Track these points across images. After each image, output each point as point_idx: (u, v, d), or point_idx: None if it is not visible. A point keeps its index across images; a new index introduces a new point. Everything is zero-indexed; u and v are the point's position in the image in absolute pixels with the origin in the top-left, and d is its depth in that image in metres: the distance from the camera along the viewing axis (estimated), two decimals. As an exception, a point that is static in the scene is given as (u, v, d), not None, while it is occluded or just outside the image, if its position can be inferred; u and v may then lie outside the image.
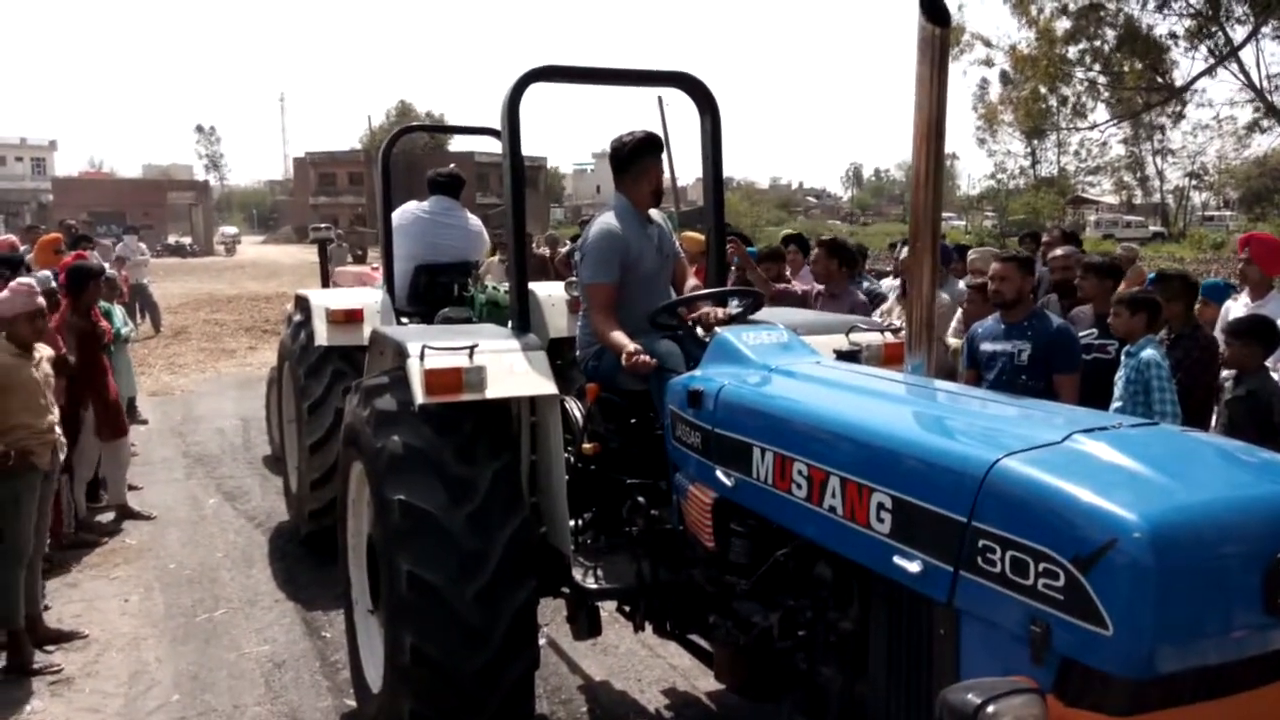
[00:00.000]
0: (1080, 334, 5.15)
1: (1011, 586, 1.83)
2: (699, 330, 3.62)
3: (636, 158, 3.80)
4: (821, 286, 6.61)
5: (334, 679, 4.45)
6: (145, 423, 9.73)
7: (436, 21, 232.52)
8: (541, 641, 4.69)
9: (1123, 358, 4.64)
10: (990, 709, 1.65)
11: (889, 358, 3.71)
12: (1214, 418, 4.70)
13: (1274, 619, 1.72)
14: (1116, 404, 4.56)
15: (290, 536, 6.34)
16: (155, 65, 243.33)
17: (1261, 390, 4.33)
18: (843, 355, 3.45)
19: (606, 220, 3.79)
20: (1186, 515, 1.70)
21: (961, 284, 6.52)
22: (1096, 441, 1.95)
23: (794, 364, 3.08)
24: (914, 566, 2.07)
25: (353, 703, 3.97)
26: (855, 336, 3.84)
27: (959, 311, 6.22)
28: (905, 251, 6.47)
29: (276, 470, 7.48)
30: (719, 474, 2.91)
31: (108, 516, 6.82)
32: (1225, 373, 4.51)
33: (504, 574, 3.23)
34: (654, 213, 4.00)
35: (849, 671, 2.45)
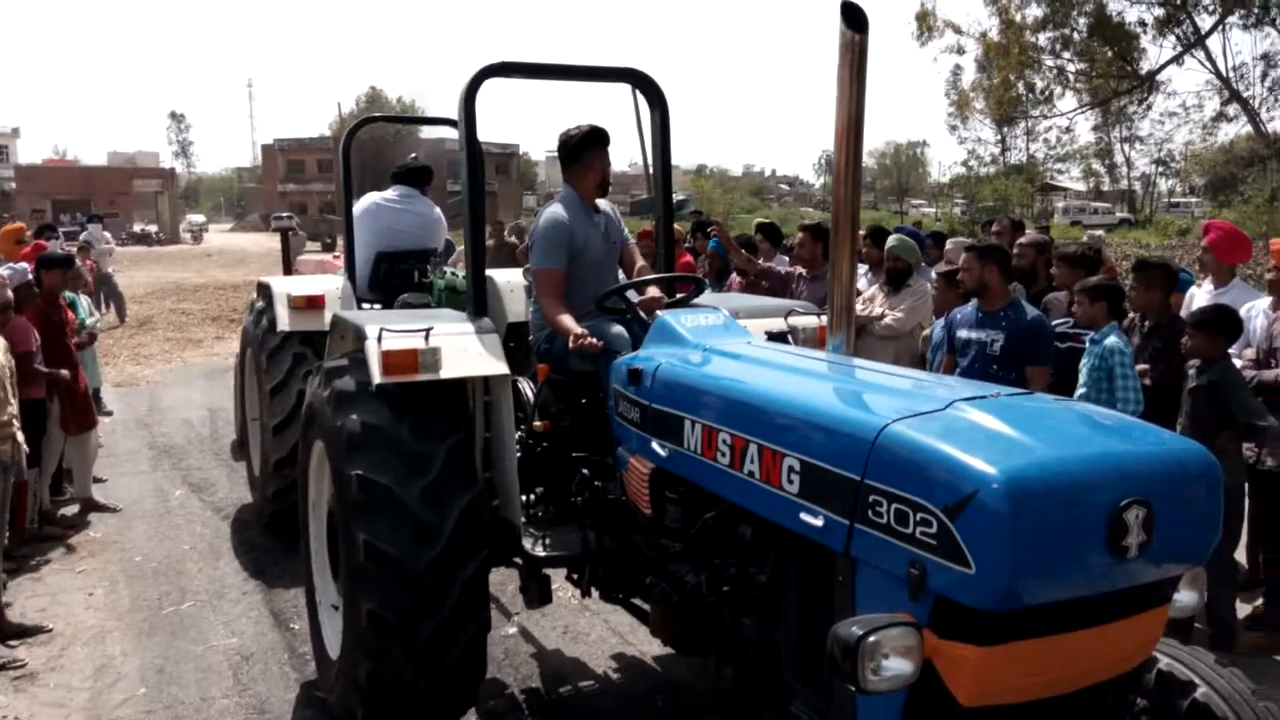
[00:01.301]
0: (1055, 322, 5.21)
1: (895, 535, 2.05)
2: (643, 313, 3.80)
3: (581, 151, 3.98)
4: (803, 270, 6.79)
5: (303, 670, 4.50)
6: (110, 414, 9.73)
7: (408, 6, 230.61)
8: (512, 630, 4.89)
9: (1087, 344, 4.73)
10: (871, 639, 1.89)
11: (823, 340, 3.91)
12: None
13: (1118, 561, 1.94)
14: (1081, 390, 4.66)
15: (258, 528, 6.39)
16: (120, 51, 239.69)
17: (1223, 380, 4.38)
18: (773, 336, 3.64)
19: (553, 210, 3.98)
20: (1040, 469, 1.92)
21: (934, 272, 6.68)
22: (973, 408, 2.18)
23: (726, 344, 3.29)
24: (817, 521, 2.30)
25: (322, 695, 4.06)
26: (793, 320, 4.05)
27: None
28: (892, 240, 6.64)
29: (243, 457, 7.56)
30: (655, 446, 3.12)
31: (72, 510, 6.82)
32: (1190, 361, 4.57)
33: (457, 544, 3.41)
34: (602, 202, 4.16)
35: (766, 620, 2.67)
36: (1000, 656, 1.95)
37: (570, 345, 3.62)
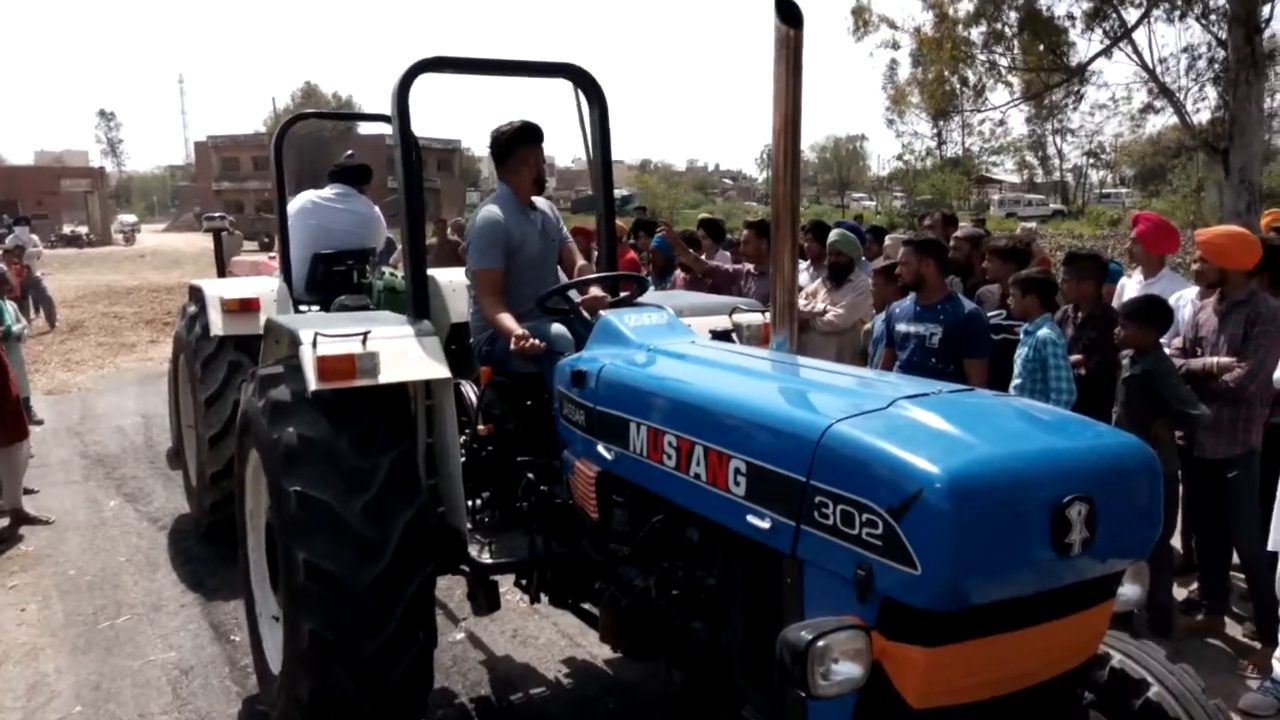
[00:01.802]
0: (989, 314, 5.28)
1: (841, 536, 2.04)
2: (585, 313, 3.76)
3: (513, 147, 3.92)
4: (750, 266, 6.80)
5: (244, 684, 4.40)
6: (40, 423, 9.43)
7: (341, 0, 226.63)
8: (460, 635, 4.82)
9: (1021, 336, 4.80)
10: (820, 643, 1.87)
11: (766, 337, 3.90)
12: None
13: (1063, 558, 1.95)
14: (1016, 381, 4.73)
15: (195, 538, 6.24)
16: (46, 47, 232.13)
17: (1155, 369, 4.44)
18: (718, 335, 3.62)
19: (488, 209, 3.91)
20: (983, 467, 1.92)
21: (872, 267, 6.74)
22: (916, 407, 2.17)
23: (670, 344, 3.25)
24: (764, 523, 2.27)
25: (264, 709, 3.97)
26: (736, 317, 4.03)
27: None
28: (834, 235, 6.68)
29: (179, 466, 7.37)
30: (601, 449, 3.07)
31: (2, 523, 6.62)
32: (1123, 351, 4.64)
33: (401, 560, 3.31)
34: (540, 200, 4.10)
35: (715, 623, 2.65)
36: (947, 657, 1.95)
37: (511, 347, 3.56)
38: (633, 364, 3.12)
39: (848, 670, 1.91)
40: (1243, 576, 4.84)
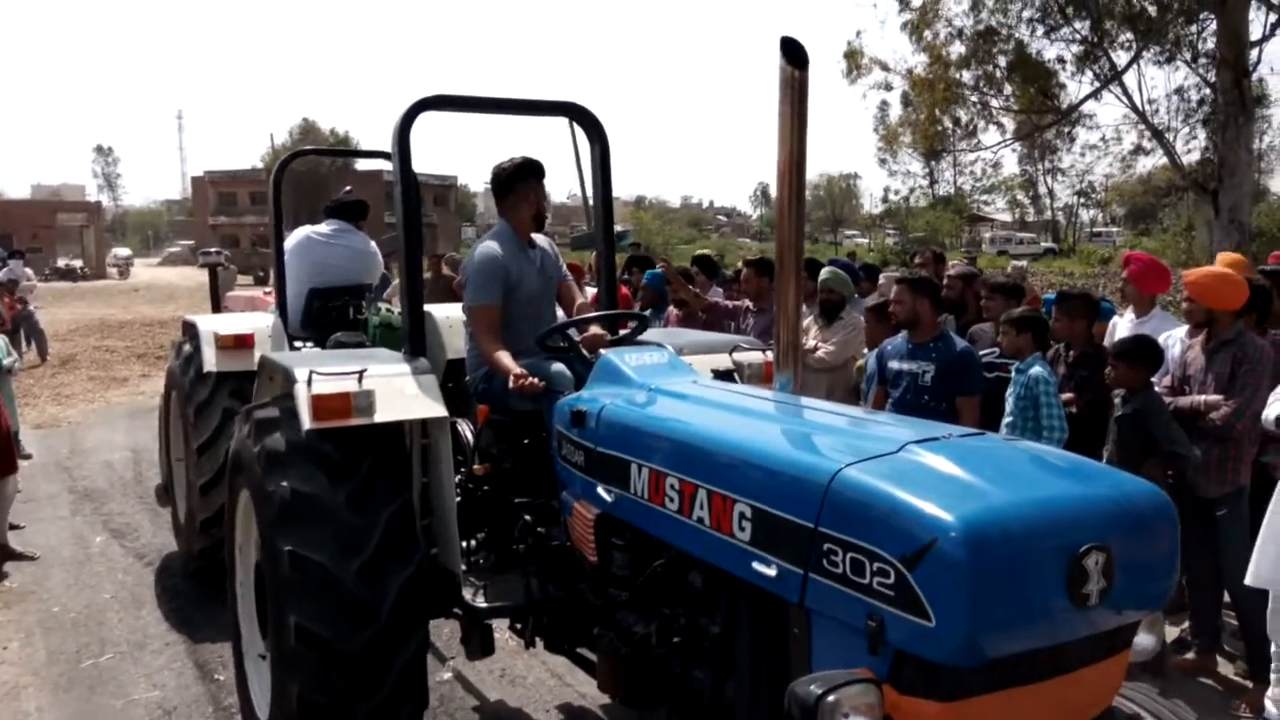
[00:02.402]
0: (981, 352, 5.27)
1: (852, 585, 1.98)
2: (585, 351, 3.72)
3: (514, 183, 3.89)
4: (749, 303, 6.79)
5: None
6: (29, 457, 9.30)
7: (340, 37, 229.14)
8: (447, 675, 4.72)
9: (1013, 374, 4.79)
10: (830, 698, 1.81)
11: (769, 376, 3.86)
12: None
13: (1079, 608, 1.89)
14: (1008, 419, 4.70)
15: (182, 575, 6.14)
16: (45, 82, 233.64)
17: (1146, 408, 4.44)
18: (720, 375, 3.57)
19: (486, 245, 3.87)
20: (998, 515, 1.87)
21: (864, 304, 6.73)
22: (926, 451, 2.12)
23: (672, 383, 3.21)
24: (770, 571, 2.21)
25: None
26: (738, 356, 3.99)
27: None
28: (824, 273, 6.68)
29: (168, 503, 7.27)
30: (600, 490, 3.01)
31: (-14, 559, 6.51)
32: (1114, 390, 4.64)
33: (395, 624, 3.23)
34: (539, 237, 4.08)
35: (718, 673, 2.57)
36: (962, 712, 1.89)
37: (510, 385, 3.51)
38: (634, 404, 3.07)
39: None
40: (1234, 615, 4.79)
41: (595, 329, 3.83)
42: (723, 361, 3.99)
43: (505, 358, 3.61)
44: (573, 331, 3.85)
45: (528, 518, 3.57)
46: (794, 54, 2.56)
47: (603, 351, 3.52)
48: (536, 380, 3.50)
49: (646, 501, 2.75)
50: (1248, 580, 4.04)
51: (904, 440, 2.19)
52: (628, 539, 2.93)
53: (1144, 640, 2.16)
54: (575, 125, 4.23)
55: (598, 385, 3.36)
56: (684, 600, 2.70)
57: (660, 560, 2.75)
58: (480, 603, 3.56)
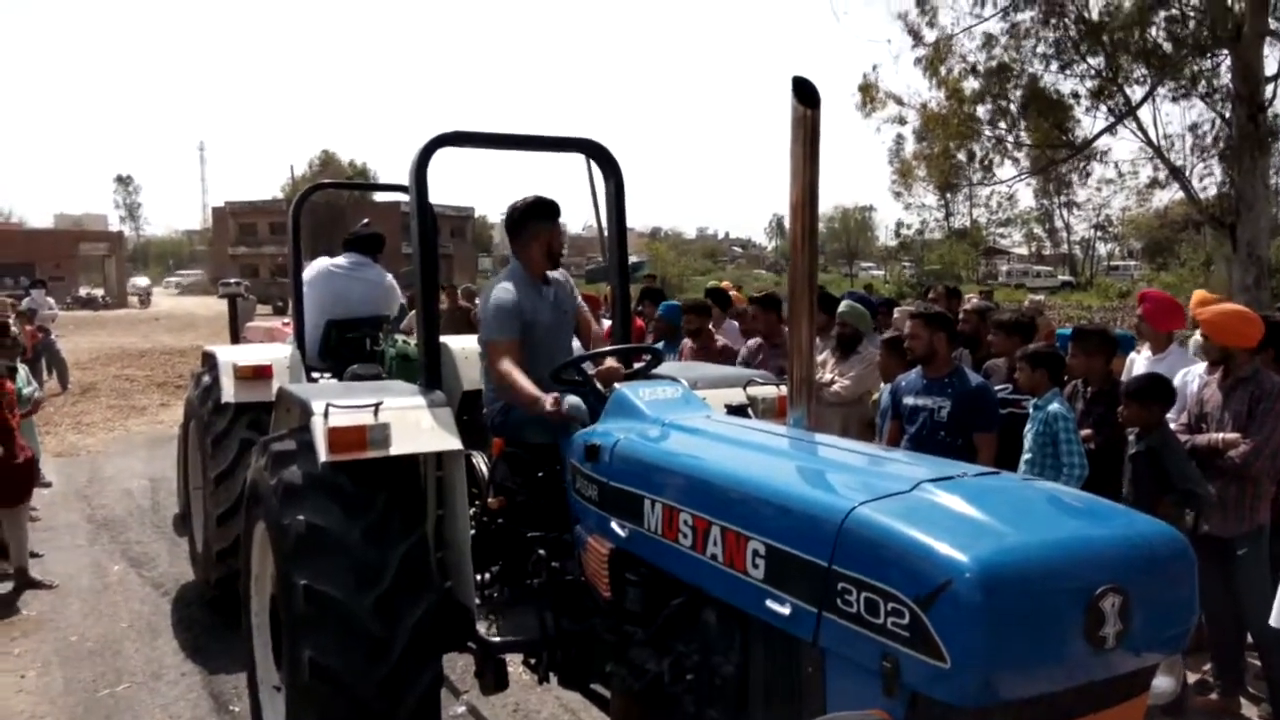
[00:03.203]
0: (996, 388, 5.24)
1: (866, 625, 1.97)
2: (600, 385, 3.74)
3: (526, 223, 3.92)
4: (759, 340, 6.79)
5: None
6: (49, 485, 9.39)
7: (361, 70, 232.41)
8: (461, 709, 4.70)
9: (1031, 411, 4.76)
10: None
11: (783, 410, 3.86)
12: None
13: (1096, 651, 1.88)
14: (1026, 456, 4.67)
15: (199, 604, 6.15)
16: (69, 112, 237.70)
17: (1161, 446, 4.41)
18: (733, 409, 3.58)
19: (500, 286, 3.87)
20: (1014, 556, 1.87)
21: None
22: (941, 490, 2.12)
23: (686, 419, 3.22)
24: (784, 609, 2.20)
25: None
26: (751, 390, 4.00)
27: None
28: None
29: (185, 532, 7.30)
30: (614, 525, 3.02)
31: (5, 587, 6.55)
32: (1128, 428, 4.61)
33: (410, 660, 3.23)
34: (554, 272, 4.09)
35: (731, 712, 2.55)
36: None
37: (548, 407, 3.47)
38: (647, 438, 3.08)
39: None
40: (1257, 656, 4.72)
41: (610, 362, 3.85)
42: (737, 396, 4.00)
43: (531, 388, 3.59)
44: (587, 366, 3.87)
45: (542, 552, 3.58)
46: (805, 93, 2.59)
47: (617, 386, 3.53)
48: (569, 406, 3.50)
49: (660, 537, 2.75)
50: (1272, 621, 3.99)
51: (918, 479, 2.19)
52: (641, 574, 2.92)
53: (1162, 683, 2.14)
54: (590, 160, 4.28)
55: (612, 420, 3.37)
56: (697, 637, 2.69)
57: (674, 597, 2.75)
58: (494, 637, 3.56)
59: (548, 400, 3.49)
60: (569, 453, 3.41)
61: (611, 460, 3.08)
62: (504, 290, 3.84)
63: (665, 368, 4.04)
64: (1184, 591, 2.05)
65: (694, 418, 3.25)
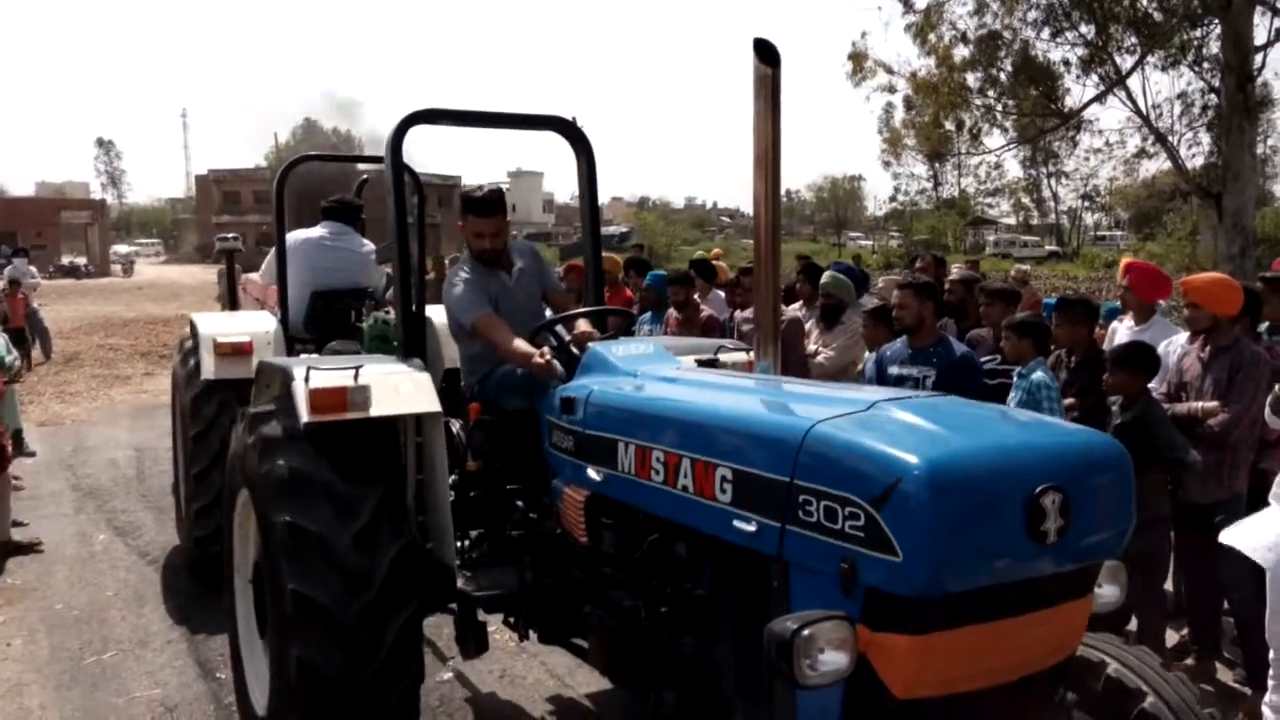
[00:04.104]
0: (982, 359, 5.26)
1: (825, 532, 2.09)
2: (574, 348, 3.76)
3: (465, 216, 3.99)
4: (749, 312, 6.82)
5: None
6: (33, 455, 9.39)
7: (345, 38, 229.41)
8: (447, 675, 4.76)
9: (1015, 379, 4.81)
10: (805, 633, 1.92)
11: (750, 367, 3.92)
12: None
13: (1039, 546, 2.00)
14: None
15: (185, 572, 6.15)
16: (50, 79, 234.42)
17: (1146, 415, 4.41)
18: (703, 362, 3.66)
19: (457, 275, 3.96)
20: (960, 457, 1.99)
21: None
22: (895, 407, 2.24)
23: (656, 370, 3.30)
24: (750, 527, 2.32)
25: None
26: (722, 355, 4.08)
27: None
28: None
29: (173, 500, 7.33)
30: (590, 472, 3.10)
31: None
32: (1112, 397, 4.64)
33: (390, 591, 3.29)
34: (517, 252, 4.15)
35: (704, 637, 2.66)
36: (930, 645, 1.99)
37: (536, 361, 3.50)
38: (620, 388, 3.16)
39: (834, 659, 1.95)
40: (1233, 621, 4.80)
41: (583, 325, 3.87)
42: (706, 356, 4.06)
43: (524, 344, 3.62)
44: (561, 330, 3.90)
45: (520, 505, 3.66)
46: (766, 53, 2.71)
47: (590, 345, 3.59)
48: (558, 364, 3.52)
49: (634, 476, 2.84)
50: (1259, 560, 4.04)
51: (875, 399, 2.31)
52: (616, 516, 3.01)
53: (1107, 591, 2.26)
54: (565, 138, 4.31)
55: (586, 375, 3.44)
56: (670, 570, 2.78)
57: (647, 534, 2.84)
58: (474, 592, 3.63)
59: (541, 354, 3.52)
60: (543, 409, 3.47)
61: (586, 410, 3.16)
62: (459, 278, 3.91)
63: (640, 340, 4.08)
64: (1121, 494, 2.16)
65: (665, 368, 3.33)
